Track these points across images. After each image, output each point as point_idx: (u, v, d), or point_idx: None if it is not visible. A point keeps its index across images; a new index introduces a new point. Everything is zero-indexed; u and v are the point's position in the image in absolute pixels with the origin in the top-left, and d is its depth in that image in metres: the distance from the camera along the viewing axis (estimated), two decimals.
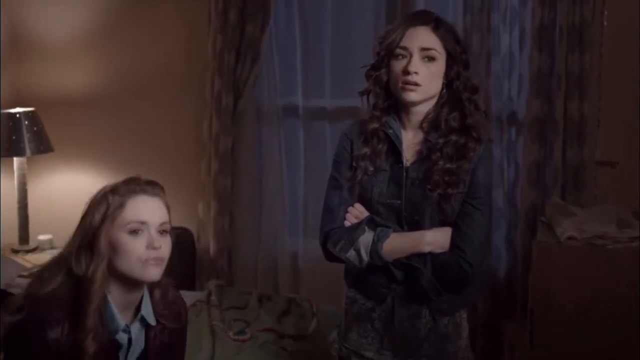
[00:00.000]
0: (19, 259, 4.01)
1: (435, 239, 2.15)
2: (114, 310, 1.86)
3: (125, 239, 1.82)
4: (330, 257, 2.26)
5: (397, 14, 3.73)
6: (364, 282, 2.28)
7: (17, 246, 4.15)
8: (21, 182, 4.12)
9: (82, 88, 4.30)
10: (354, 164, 2.23)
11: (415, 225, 2.18)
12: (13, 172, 4.12)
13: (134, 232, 1.83)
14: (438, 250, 2.15)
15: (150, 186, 1.90)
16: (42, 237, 4.19)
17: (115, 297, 1.87)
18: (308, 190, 4.02)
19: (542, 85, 3.50)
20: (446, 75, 2.16)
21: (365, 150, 2.21)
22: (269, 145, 4.03)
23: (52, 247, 4.17)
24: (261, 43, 3.85)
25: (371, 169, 2.20)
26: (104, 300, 1.84)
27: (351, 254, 2.18)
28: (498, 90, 3.60)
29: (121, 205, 1.84)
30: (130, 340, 1.91)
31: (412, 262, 2.15)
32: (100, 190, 1.89)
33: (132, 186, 1.88)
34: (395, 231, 2.17)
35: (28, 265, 3.92)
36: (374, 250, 2.15)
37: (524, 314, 3.41)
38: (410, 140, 2.21)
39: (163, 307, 1.99)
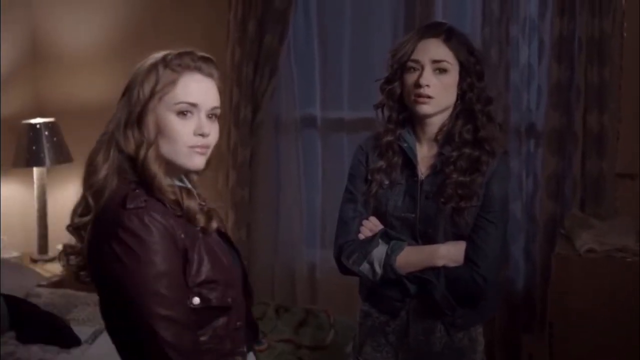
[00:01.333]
0: (38, 268, 4.04)
1: (449, 253, 2.14)
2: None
3: (173, 121, 1.65)
4: (344, 270, 2.24)
5: (416, 26, 3.72)
6: (377, 296, 2.27)
7: (36, 256, 4.19)
8: (41, 192, 4.16)
9: (102, 99, 4.32)
10: (369, 177, 2.22)
11: (429, 238, 2.17)
12: (33, 182, 4.16)
13: (182, 113, 1.66)
14: (452, 264, 2.14)
15: (205, 64, 1.71)
16: (61, 247, 4.21)
17: None
18: (325, 201, 4.02)
19: (561, 97, 3.48)
20: (459, 86, 2.15)
21: (381, 163, 2.21)
22: (287, 157, 4.04)
23: None
24: (280, 54, 3.87)
25: (386, 182, 2.20)
26: None
27: (364, 267, 2.18)
28: (517, 101, 3.59)
29: (172, 82, 1.66)
30: None
31: (425, 276, 2.14)
32: (149, 59, 1.71)
33: (186, 60, 1.68)
34: (409, 244, 2.17)
35: (47, 274, 3.95)
36: (388, 263, 2.14)
37: (542, 327, 3.39)
38: (425, 154, 2.20)
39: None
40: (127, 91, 1.71)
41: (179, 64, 1.68)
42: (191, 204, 1.68)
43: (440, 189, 2.14)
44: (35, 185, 4.15)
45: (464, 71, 2.13)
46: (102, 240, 1.62)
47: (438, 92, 2.11)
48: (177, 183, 1.74)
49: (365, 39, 3.95)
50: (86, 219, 1.69)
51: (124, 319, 1.64)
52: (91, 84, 4.36)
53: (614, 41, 3.39)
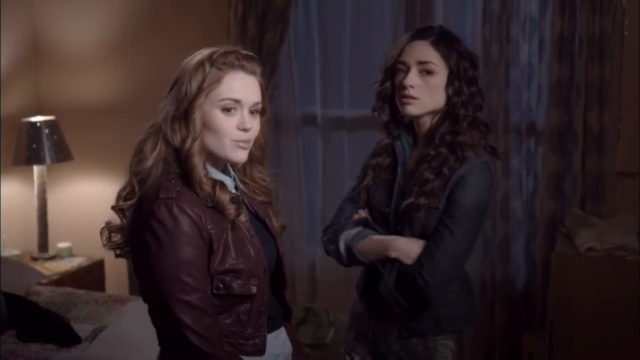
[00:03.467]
0: (39, 266, 4.04)
1: (403, 246, 2.15)
2: (211, 168, 1.83)
3: (218, 117, 1.77)
4: (326, 250, 2.32)
5: (416, 24, 3.72)
6: (358, 285, 2.34)
7: (36, 254, 4.19)
8: (41, 190, 4.16)
9: (102, 97, 4.34)
10: (364, 171, 2.31)
11: (399, 234, 2.19)
12: (33, 181, 4.16)
13: (227, 109, 1.77)
14: (404, 258, 2.14)
15: (249, 62, 1.82)
16: (61, 245, 4.22)
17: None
18: (326, 200, 4.02)
19: (562, 95, 3.48)
20: (446, 89, 2.15)
21: (376, 160, 2.29)
22: (287, 155, 4.04)
23: (71, 255, 4.20)
24: (280, 53, 3.86)
25: (377, 177, 2.27)
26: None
27: (332, 247, 2.26)
28: (517, 100, 3.59)
29: (218, 80, 1.77)
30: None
31: (376, 265, 2.18)
32: (197, 55, 1.80)
33: (230, 59, 1.79)
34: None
35: (47, 272, 3.95)
36: (350, 246, 2.20)
37: (542, 326, 3.39)
38: (417, 152, 2.23)
39: (249, 179, 1.96)
40: (175, 86, 1.80)
41: (224, 62, 1.78)
42: (222, 196, 1.77)
43: (408, 185, 2.17)
44: (35, 184, 4.15)
45: (452, 75, 2.14)
46: (138, 226, 1.75)
47: (423, 93, 2.13)
48: (219, 176, 1.83)
49: (365, 37, 3.95)
50: (129, 202, 1.79)
51: (152, 301, 1.77)
52: (91, 82, 4.36)
53: (615, 39, 3.39)
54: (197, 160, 1.76)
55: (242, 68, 1.80)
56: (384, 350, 2.26)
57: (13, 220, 4.21)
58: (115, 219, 1.83)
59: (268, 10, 3.82)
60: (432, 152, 2.14)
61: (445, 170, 2.12)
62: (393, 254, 2.15)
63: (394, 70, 2.17)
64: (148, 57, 4.18)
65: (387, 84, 2.20)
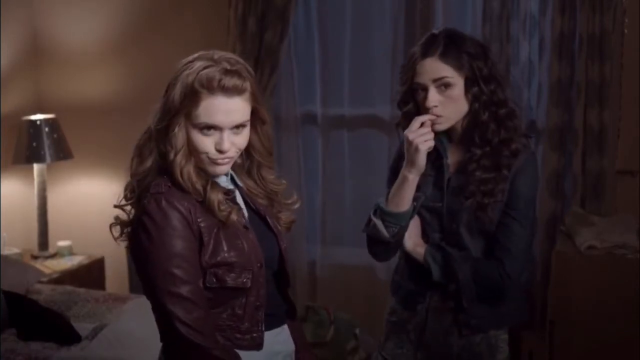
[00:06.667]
0: (39, 265, 4.04)
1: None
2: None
3: (196, 136, 1.75)
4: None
5: (416, 22, 3.72)
6: (401, 290, 2.31)
7: (36, 252, 4.19)
8: (41, 189, 4.16)
9: (102, 96, 4.34)
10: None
11: (453, 233, 2.19)
12: (33, 179, 4.16)
13: (205, 130, 1.74)
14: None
15: (232, 80, 1.73)
16: (61, 243, 4.22)
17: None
18: (326, 199, 4.01)
19: (562, 94, 3.48)
20: (466, 95, 2.14)
21: None
22: (287, 154, 4.03)
23: (71, 254, 4.21)
24: (280, 52, 3.86)
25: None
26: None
27: (373, 217, 2.19)
28: (517, 99, 3.57)
29: (195, 103, 1.72)
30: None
31: (453, 264, 2.14)
32: (184, 68, 1.75)
33: (210, 82, 1.71)
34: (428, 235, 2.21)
35: (47, 271, 3.95)
36: (379, 206, 2.17)
37: (543, 324, 3.39)
38: (454, 153, 2.22)
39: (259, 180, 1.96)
40: (169, 89, 1.78)
41: (202, 84, 1.72)
42: (212, 196, 1.77)
43: (464, 185, 2.16)
44: (35, 182, 4.15)
45: (469, 81, 2.13)
46: (134, 222, 1.79)
47: (446, 108, 2.12)
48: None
49: (365, 35, 3.94)
50: (130, 202, 1.81)
51: (147, 295, 1.78)
52: (91, 80, 4.36)
53: (615, 38, 3.39)
54: (181, 171, 1.75)
55: (222, 90, 1.73)
56: (443, 353, 2.24)
57: (13, 219, 4.21)
58: (122, 215, 1.84)
59: (268, 10, 3.82)
60: (478, 152, 2.14)
61: (502, 166, 2.13)
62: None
63: (413, 91, 2.16)
64: (148, 57, 4.18)
65: (411, 105, 2.18)
